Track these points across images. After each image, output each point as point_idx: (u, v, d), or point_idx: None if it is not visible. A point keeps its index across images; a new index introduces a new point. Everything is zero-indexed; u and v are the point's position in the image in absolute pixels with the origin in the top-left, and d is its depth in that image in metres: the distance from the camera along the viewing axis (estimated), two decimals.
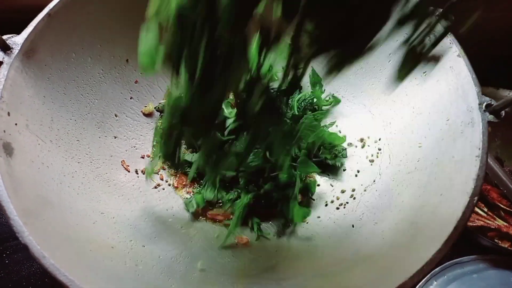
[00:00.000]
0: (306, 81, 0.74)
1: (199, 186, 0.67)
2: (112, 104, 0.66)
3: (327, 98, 0.73)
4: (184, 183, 0.68)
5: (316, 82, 0.72)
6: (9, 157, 0.45)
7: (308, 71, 0.67)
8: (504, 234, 0.69)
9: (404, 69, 0.40)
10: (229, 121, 0.55)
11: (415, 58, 0.39)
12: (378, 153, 0.65)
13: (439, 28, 0.39)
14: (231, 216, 0.62)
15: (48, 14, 0.52)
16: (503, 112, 0.48)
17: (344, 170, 0.68)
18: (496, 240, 0.69)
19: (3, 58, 0.48)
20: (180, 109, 0.43)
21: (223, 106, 0.57)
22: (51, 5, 0.53)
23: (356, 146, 0.69)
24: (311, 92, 0.72)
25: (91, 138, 0.62)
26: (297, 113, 0.69)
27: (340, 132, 0.71)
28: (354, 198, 0.63)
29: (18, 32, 0.50)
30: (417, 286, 0.60)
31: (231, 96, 0.63)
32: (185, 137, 0.49)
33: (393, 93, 0.64)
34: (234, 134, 0.54)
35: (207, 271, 0.54)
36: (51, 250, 0.40)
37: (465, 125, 0.50)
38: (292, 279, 0.52)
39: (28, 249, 0.39)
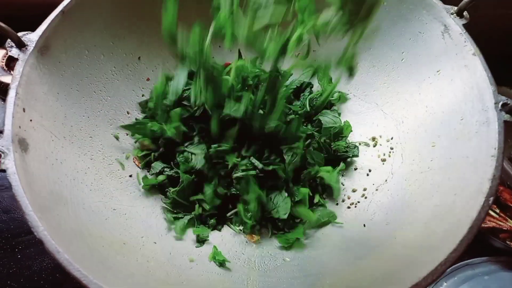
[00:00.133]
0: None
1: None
2: (124, 101, 0.67)
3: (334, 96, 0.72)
4: None
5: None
6: (24, 152, 0.45)
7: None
8: None
9: None
10: None
11: None
12: (390, 152, 0.64)
13: None
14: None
15: (62, 11, 0.53)
16: None
17: (356, 169, 0.67)
18: (508, 242, 0.68)
19: (19, 55, 0.49)
20: None
21: None
22: (65, 3, 0.53)
23: (368, 145, 0.68)
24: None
25: (104, 135, 0.62)
26: (308, 111, 0.69)
27: (351, 132, 0.71)
28: (366, 198, 0.63)
29: (32, 29, 0.51)
30: None
31: None
32: None
33: (406, 91, 0.63)
34: None
35: (217, 267, 0.55)
36: (65, 245, 0.40)
37: (480, 125, 0.49)
38: (301, 278, 0.52)
39: (43, 243, 0.39)
